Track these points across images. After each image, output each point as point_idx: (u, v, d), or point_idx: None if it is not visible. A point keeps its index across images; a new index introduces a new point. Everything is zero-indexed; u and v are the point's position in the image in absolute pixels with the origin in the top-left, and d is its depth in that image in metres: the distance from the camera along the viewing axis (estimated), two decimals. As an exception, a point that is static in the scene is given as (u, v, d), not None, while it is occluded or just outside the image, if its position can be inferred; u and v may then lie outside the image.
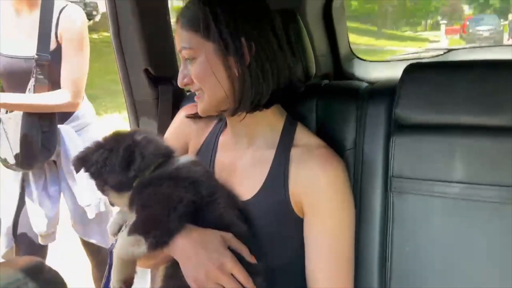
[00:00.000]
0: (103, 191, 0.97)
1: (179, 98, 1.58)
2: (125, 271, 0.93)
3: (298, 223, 1.00)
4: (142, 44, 1.48)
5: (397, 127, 1.12)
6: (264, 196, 1.00)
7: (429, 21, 27.02)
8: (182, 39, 0.98)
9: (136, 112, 1.57)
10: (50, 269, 0.35)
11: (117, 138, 0.97)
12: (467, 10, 26.74)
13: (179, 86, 1.02)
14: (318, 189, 0.98)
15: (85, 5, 11.06)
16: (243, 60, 0.95)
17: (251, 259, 0.91)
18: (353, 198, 1.05)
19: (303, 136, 1.06)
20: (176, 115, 1.25)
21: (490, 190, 0.99)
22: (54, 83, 1.84)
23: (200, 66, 0.96)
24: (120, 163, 0.92)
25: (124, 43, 1.51)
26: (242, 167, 1.06)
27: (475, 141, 1.02)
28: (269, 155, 1.03)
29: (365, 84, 1.25)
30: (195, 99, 1.04)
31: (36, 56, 1.79)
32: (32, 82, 1.80)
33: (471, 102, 1.03)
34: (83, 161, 0.95)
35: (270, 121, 1.06)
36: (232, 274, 0.87)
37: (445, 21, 23.77)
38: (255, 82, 0.96)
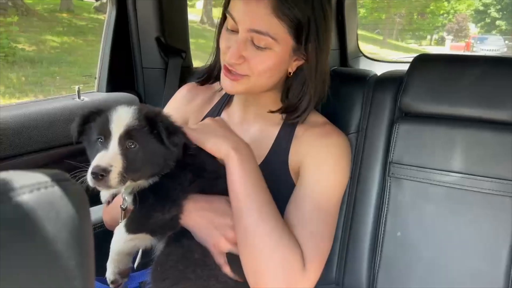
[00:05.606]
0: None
1: (186, 72, 1.59)
2: (122, 263, 0.92)
3: (291, 189, 1.00)
4: (156, 11, 1.49)
5: (401, 114, 1.14)
6: (264, 168, 1.00)
7: (434, 37, 27.10)
8: (267, 24, 0.89)
9: (143, 79, 1.58)
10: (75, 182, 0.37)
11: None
12: (473, 28, 26.87)
13: (228, 61, 0.93)
14: (316, 149, 0.99)
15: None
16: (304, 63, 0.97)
17: None
18: (350, 171, 1.05)
19: (309, 115, 1.06)
20: (177, 91, 1.24)
21: (486, 181, 1.02)
22: None
23: (271, 58, 0.92)
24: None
25: (139, 11, 1.53)
26: (246, 141, 1.07)
27: (476, 133, 1.04)
28: (274, 131, 1.05)
29: (373, 72, 1.27)
30: (231, 77, 0.95)
31: None
32: None
33: (474, 95, 1.06)
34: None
35: (278, 99, 1.05)
36: None
37: (451, 37, 23.88)
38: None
